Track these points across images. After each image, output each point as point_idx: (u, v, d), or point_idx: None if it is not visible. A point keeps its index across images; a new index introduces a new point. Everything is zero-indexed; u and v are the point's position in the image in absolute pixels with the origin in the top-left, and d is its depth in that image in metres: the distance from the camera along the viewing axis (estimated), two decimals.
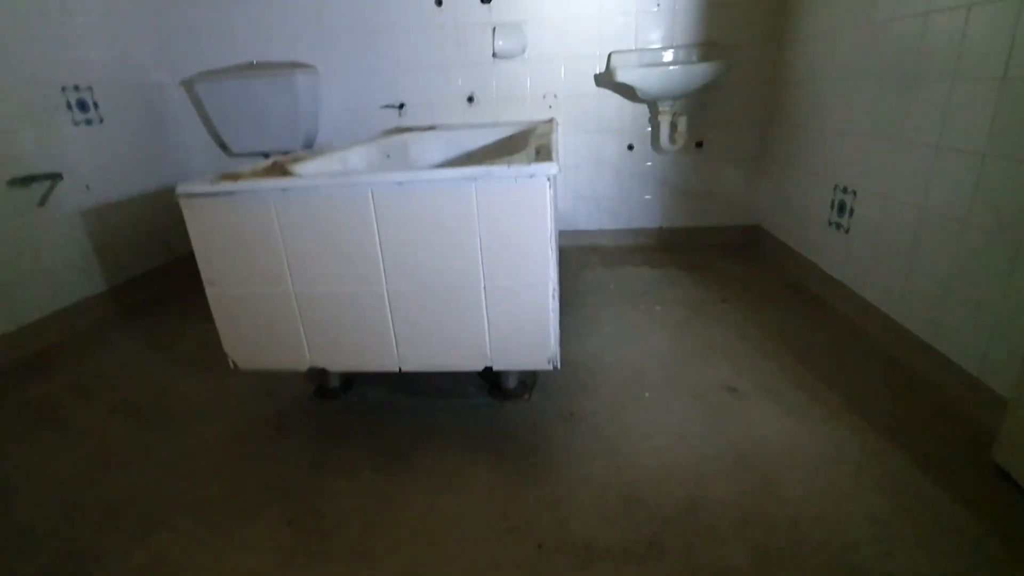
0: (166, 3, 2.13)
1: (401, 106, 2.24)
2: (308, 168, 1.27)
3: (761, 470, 0.97)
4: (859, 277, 1.51)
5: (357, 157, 1.64)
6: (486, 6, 2.05)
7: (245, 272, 1.03)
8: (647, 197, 2.28)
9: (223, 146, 2.32)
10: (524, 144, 1.72)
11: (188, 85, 2.20)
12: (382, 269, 0.99)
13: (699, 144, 2.18)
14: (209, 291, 1.05)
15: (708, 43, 2.02)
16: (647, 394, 1.23)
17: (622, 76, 1.91)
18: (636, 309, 1.69)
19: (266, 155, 2.24)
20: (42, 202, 1.68)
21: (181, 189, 0.97)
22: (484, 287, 0.99)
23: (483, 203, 0.93)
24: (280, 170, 1.16)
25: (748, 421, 1.11)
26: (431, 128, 2.20)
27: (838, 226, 1.61)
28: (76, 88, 1.83)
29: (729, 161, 2.19)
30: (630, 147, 2.21)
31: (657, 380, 1.29)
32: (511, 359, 1.05)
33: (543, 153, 1.10)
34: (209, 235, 1.01)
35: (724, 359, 1.36)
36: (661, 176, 2.24)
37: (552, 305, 1.00)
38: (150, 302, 2.02)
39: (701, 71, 1.86)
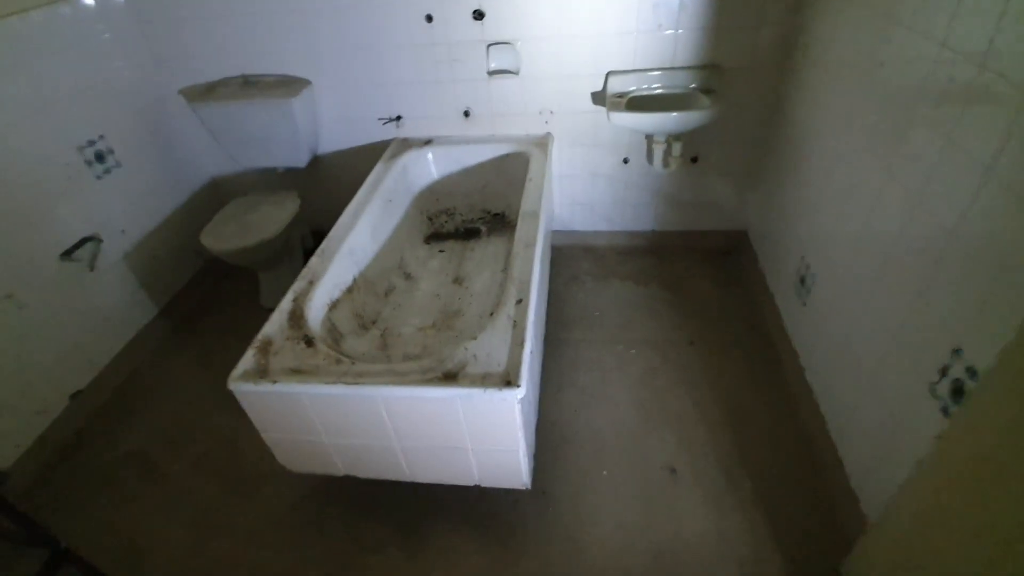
0: (156, 24, 2.06)
1: (398, 118, 2.24)
2: (319, 295, 1.49)
3: (670, 568, 1.36)
4: (806, 350, 1.73)
5: (362, 232, 1.79)
6: (478, 23, 1.95)
7: (289, 428, 1.33)
8: (640, 204, 2.37)
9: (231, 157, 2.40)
10: (524, 167, 1.84)
11: (188, 99, 2.21)
12: (394, 438, 1.29)
13: (694, 159, 2.20)
14: (263, 435, 1.37)
15: (710, 65, 1.95)
16: (604, 472, 1.59)
17: (616, 120, 1.91)
18: (612, 353, 1.96)
19: (274, 169, 2.34)
20: (91, 267, 1.91)
21: (232, 385, 1.24)
22: (471, 449, 1.29)
23: (468, 411, 1.19)
24: (299, 320, 1.39)
25: (675, 511, 1.47)
26: (428, 142, 2.25)
27: (799, 293, 1.78)
28: (90, 143, 1.92)
29: (722, 174, 2.23)
30: (625, 160, 2.24)
31: (615, 455, 1.63)
32: (494, 481, 1.40)
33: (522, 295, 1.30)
34: (258, 409, 1.29)
35: (673, 431, 1.68)
36: (655, 187, 2.30)
37: (524, 462, 1.30)
38: (197, 314, 2.34)
39: (697, 117, 1.85)
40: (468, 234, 2.26)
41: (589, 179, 2.32)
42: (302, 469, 1.47)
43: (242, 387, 1.23)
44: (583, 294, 2.25)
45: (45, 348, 1.77)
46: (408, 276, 2.01)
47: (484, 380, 1.16)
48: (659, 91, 1.98)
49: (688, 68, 1.95)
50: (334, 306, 1.57)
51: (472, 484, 1.40)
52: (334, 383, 1.19)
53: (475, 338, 1.27)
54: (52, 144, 1.79)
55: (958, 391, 0.98)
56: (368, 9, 1.95)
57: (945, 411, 1.01)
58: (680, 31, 1.88)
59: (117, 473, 1.75)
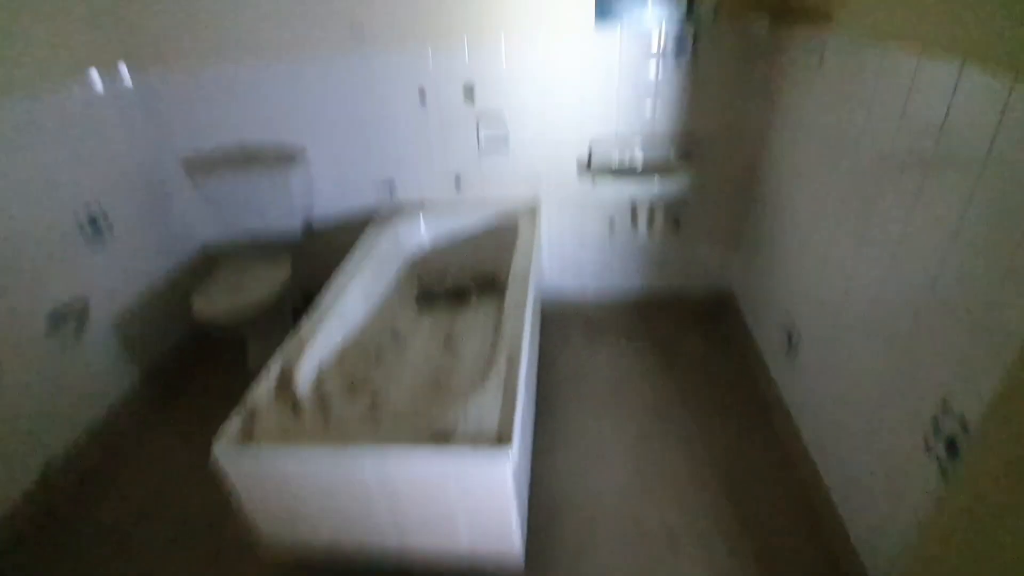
0: (160, 100, 2.16)
1: (392, 184, 2.32)
2: (309, 361, 1.48)
3: None
4: (798, 409, 1.73)
5: (353, 297, 1.80)
6: (469, 98, 2.07)
7: (273, 496, 1.28)
8: (628, 266, 2.43)
9: (225, 224, 2.44)
10: (513, 231, 1.88)
11: (186, 168, 2.27)
12: (382, 505, 1.24)
13: (677, 223, 2.28)
14: (246, 505, 1.31)
15: (689, 135, 2.07)
16: (601, 543, 1.52)
17: (600, 187, 1.99)
18: (603, 419, 1.93)
19: (267, 234, 2.37)
20: (77, 335, 1.88)
21: (216, 450, 1.20)
22: (463, 514, 1.24)
23: (459, 473, 1.16)
24: (287, 387, 1.36)
25: None
26: (420, 208, 2.31)
27: (787, 353, 1.80)
28: (86, 208, 1.95)
29: (705, 237, 2.31)
30: (611, 224, 2.32)
31: (610, 524, 1.57)
32: (487, 553, 1.33)
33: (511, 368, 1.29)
34: (242, 476, 1.25)
35: (670, 495, 1.63)
36: (641, 249, 2.37)
37: (517, 531, 1.25)
38: (181, 381, 2.29)
39: (675, 185, 1.95)
40: (459, 297, 2.28)
41: (577, 242, 2.38)
42: (285, 543, 1.40)
43: (226, 452, 1.20)
44: (574, 356, 2.25)
45: (20, 413, 1.71)
46: (399, 338, 2.00)
47: (475, 440, 1.14)
48: (640, 159, 2.08)
49: (668, 138, 2.07)
50: (324, 369, 1.56)
51: (464, 555, 1.34)
52: (320, 446, 1.16)
53: (466, 399, 1.26)
54: (46, 209, 1.81)
55: (952, 446, 0.98)
56: (364, 84, 2.07)
57: (943, 472, 1.00)
58: (659, 104, 2.01)
59: (91, 548, 1.64)
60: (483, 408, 1.23)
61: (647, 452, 1.79)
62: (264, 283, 2.13)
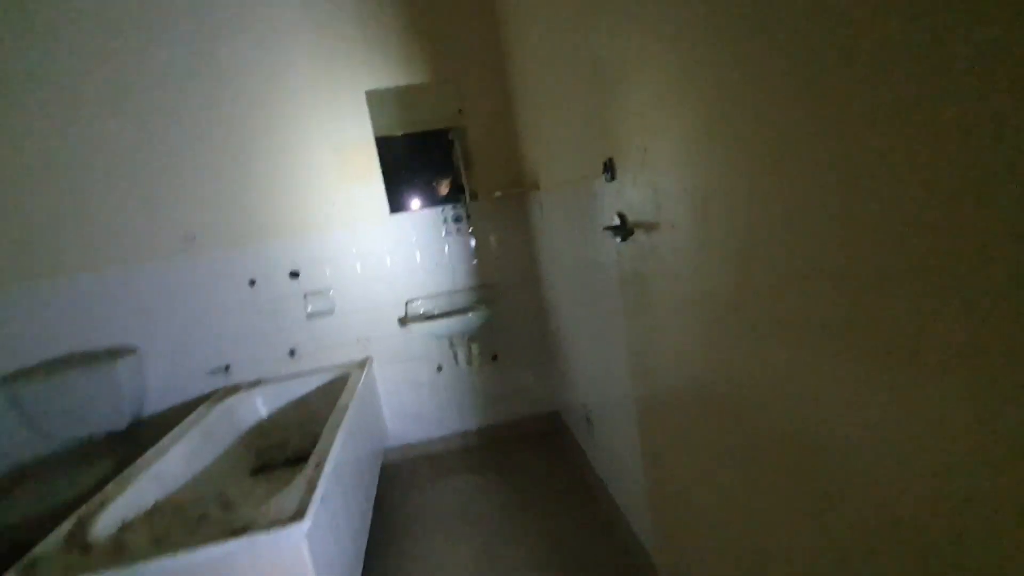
0: None
1: (227, 368, 2.47)
2: (110, 515, 1.45)
3: None
4: (604, 472, 1.95)
5: (173, 460, 1.82)
6: (295, 280, 2.44)
7: None
8: (463, 405, 2.68)
9: (43, 435, 2.34)
10: (346, 392, 2.04)
11: (3, 386, 2.25)
12: None
13: (495, 357, 2.66)
14: None
15: (483, 284, 2.58)
16: None
17: (413, 330, 2.36)
18: (450, 538, 1.97)
19: (91, 437, 2.31)
20: None
21: None
22: None
23: (257, 566, 1.19)
24: (79, 537, 1.33)
25: None
26: (257, 383, 2.45)
27: (589, 431, 2.08)
28: None
29: (522, 366, 2.69)
30: (439, 368, 2.62)
31: None
32: None
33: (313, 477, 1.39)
34: None
35: None
36: (470, 386, 2.66)
37: None
38: None
39: (474, 318, 2.37)
40: (299, 462, 2.31)
41: (413, 388, 2.62)
42: None
43: None
44: (421, 496, 2.30)
45: None
46: (228, 507, 1.95)
47: (270, 526, 1.21)
48: (447, 306, 2.52)
49: (467, 289, 2.56)
50: (128, 527, 1.51)
51: None
52: (99, 572, 1.15)
53: (268, 502, 1.33)
54: None
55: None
56: (195, 279, 2.37)
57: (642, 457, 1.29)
58: (454, 263, 2.54)
59: None
60: (284, 502, 1.32)
61: (491, 554, 1.83)
62: (75, 485, 2.02)
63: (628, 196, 1.03)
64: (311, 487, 1.36)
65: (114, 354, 2.31)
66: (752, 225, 0.68)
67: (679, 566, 1.27)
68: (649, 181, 0.94)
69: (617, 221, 1.09)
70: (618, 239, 1.10)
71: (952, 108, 0.43)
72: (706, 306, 0.84)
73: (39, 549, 1.27)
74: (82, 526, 1.37)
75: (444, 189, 2.51)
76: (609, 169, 1.08)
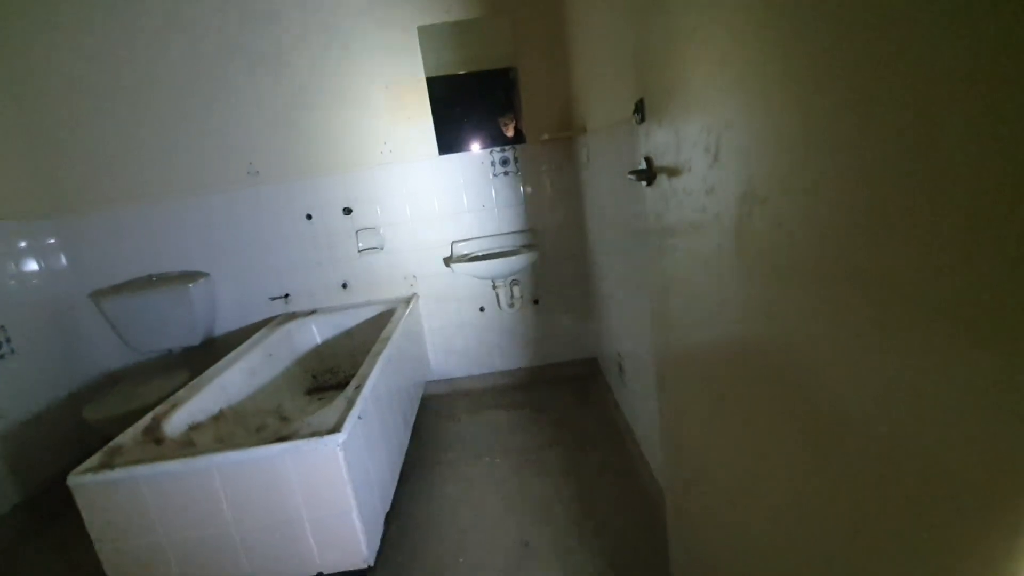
0: (78, 235, 2.51)
1: (286, 296, 2.66)
2: (181, 416, 1.65)
3: None
4: (636, 423, 1.98)
5: (238, 373, 2.01)
6: (348, 216, 2.55)
7: (124, 528, 1.36)
8: (504, 345, 2.76)
9: (132, 346, 2.64)
10: (390, 325, 2.17)
11: (95, 299, 2.54)
12: (230, 521, 1.36)
13: (536, 301, 2.70)
14: (97, 545, 1.37)
15: (528, 229, 2.59)
16: (461, 560, 1.61)
17: (457, 270, 2.42)
18: (478, 465, 2.09)
19: (170, 351, 2.59)
20: None
21: (71, 481, 1.32)
22: (307, 519, 1.37)
23: (297, 466, 1.33)
24: (154, 432, 1.52)
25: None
26: (312, 312, 2.62)
27: (621, 377, 2.10)
28: None
29: (563, 311, 2.71)
30: (481, 309, 2.70)
31: (475, 541, 1.67)
32: (334, 564, 1.42)
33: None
34: (94, 508, 1.34)
35: (531, 513, 1.77)
36: (511, 328, 2.73)
37: (360, 527, 1.38)
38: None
39: (517, 261, 2.40)
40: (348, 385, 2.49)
41: (456, 327, 2.72)
42: None
43: (80, 481, 1.32)
44: (457, 426, 2.44)
45: None
46: (284, 419, 2.16)
47: (311, 436, 1.34)
48: (491, 249, 2.56)
49: (512, 233, 2.58)
50: (196, 428, 1.71)
51: (315, 572, 1.41)
52: (170, 460, 1.32)
53: (312, 415, 1.47)
54: None
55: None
56: (258, 211, 2.52)
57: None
58: (502, 209, 2.55)
59: None
60: (325, 417, 1.44)
61: (514, 485, 1.94)
62: (159, 389, 2.28)
63: (655, 138, 0.99)
64: (349, 406, 1.48)
65: (188, 277, 2.53)
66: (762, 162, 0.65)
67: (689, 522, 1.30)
68: (672, 122, 0.90)
69: (643, 165, 1.06)
70: (643, 183, 1.07)
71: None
72: (711, 256, 0.82)
73: (120, 439, 1.47)
74: (157, 423, 1.56)
75: (510, 130, 2.48)
76: (640, 110, 1.04)
